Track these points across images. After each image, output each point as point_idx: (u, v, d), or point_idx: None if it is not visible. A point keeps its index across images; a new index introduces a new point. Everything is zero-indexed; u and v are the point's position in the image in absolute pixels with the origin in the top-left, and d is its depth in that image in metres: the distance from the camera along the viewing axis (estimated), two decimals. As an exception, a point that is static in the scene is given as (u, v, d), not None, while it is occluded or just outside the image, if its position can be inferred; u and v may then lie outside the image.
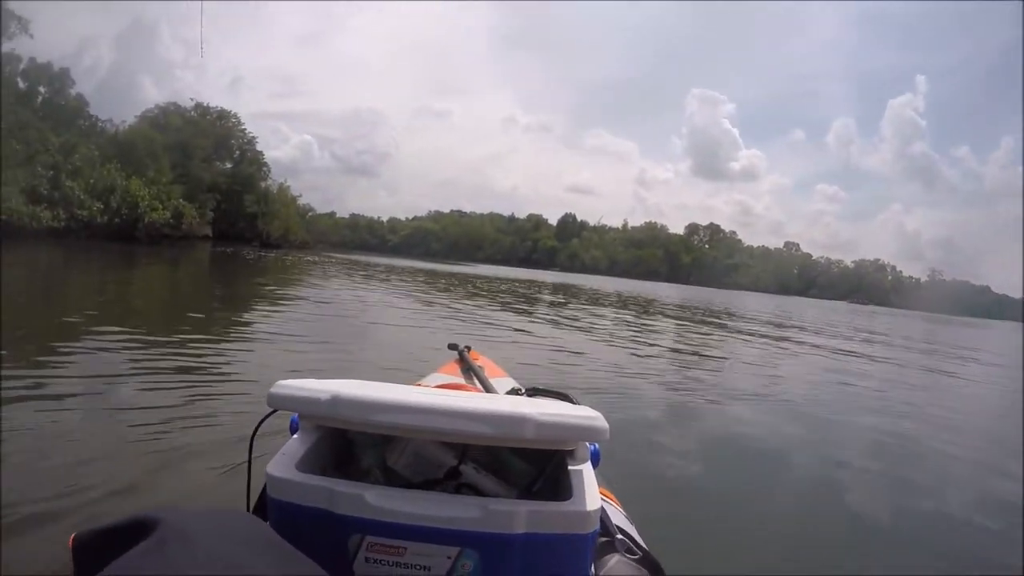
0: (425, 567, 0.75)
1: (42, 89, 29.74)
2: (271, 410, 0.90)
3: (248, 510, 1.00)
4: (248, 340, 6.09)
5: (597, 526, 0.80)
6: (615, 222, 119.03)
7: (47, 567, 1.66)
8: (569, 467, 0.89)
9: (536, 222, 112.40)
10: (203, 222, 38.46)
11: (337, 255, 46.02)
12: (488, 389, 1.86)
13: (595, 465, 0.95)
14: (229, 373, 4.37)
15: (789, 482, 3.29)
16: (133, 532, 0.53)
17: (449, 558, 0.75)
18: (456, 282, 22.70)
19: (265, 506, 0.83)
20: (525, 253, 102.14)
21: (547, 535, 0.76)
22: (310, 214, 71.39)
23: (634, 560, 1.01)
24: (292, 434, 0.94)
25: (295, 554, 0.57)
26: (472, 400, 0.90)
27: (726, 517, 2.63)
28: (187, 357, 4.75)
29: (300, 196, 63.21)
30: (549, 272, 64.29)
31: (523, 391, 1.93)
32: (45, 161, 25.12)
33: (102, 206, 27.71)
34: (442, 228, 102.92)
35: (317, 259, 32.80)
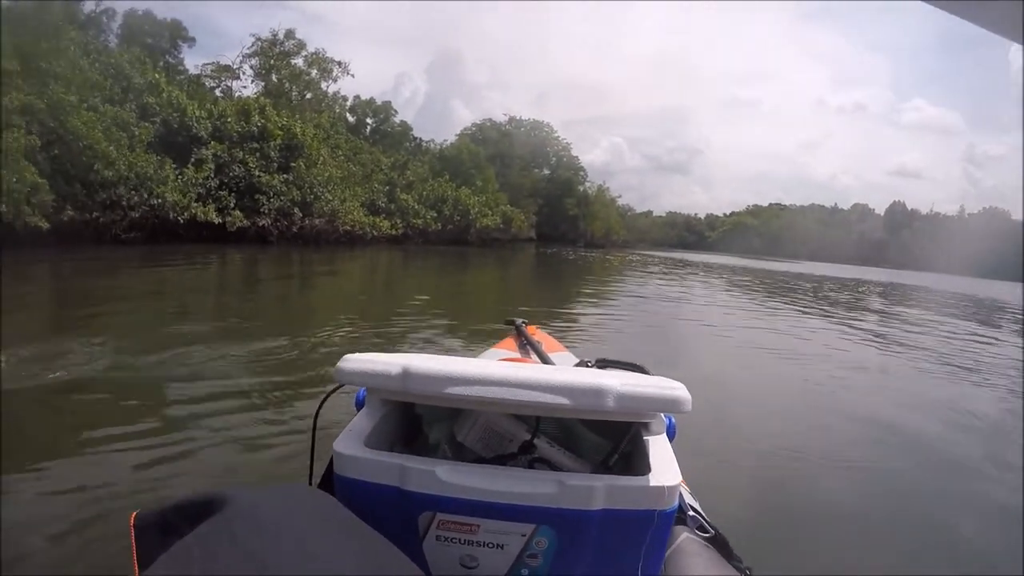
0: (498, 545, 0.70)
1: (369, 120, 32.03)
2: (337, 385, 0.83)
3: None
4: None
5: (676, 503, 0.72)
6: (949, 209, 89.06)
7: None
8: (646, 440, 0.81)
9: (861, 212, 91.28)
10: (528, 225, 37.88)
11: (658, 253, 44.50)
12: (547, 363, 1.60)
13: (671, 438, 0.85)
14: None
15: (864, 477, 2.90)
16: (199, 510, 0.49)
17: (523, 536, 0.69)
18: (766, 281, 19.35)
19: (330, 484, 0.77)
20: (851, 247, 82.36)
21: (626, 512, 0.69)
22: (629, 213, 69.00)
23: (704, 538, 0.91)
24: (358, 410, 0.86)
25: (365, 529, 0.53)
26: (547, 371, 0.82)
27: (792, 506, 2.51)
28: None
29: (619, 197, 61.18)
30: (878, 269, 49.40)
31: (591, 363, 1.57)
32: (380, 179, 25.75)
33: (436, 214, 27.73)
34: (761, 223, 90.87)
35: (636, 257, 31.99)
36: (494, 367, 0.79)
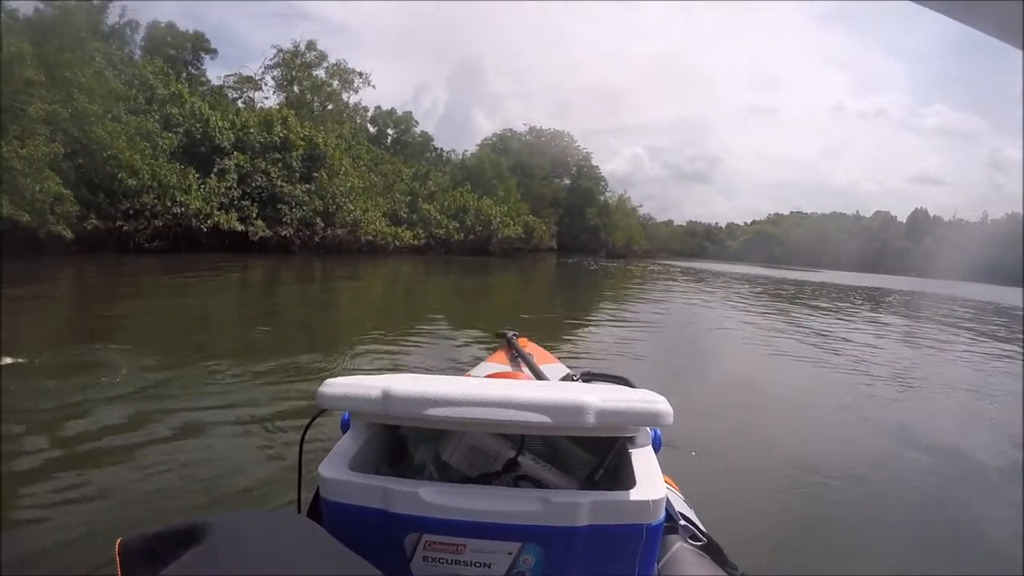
0: (485, 564, 0.70)
1: (390, 131, 31.89)
2: (320, 410, 0.82)
3: (299, 513, 0.87)
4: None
5: (663, 515, 0.72)
6: (972, 216, 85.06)
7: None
8: (631, 454, 0.81)
9: (883, 220, 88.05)
10: (549, 235, 37.33)
11: (679, 263, 43.72)
12: (538, 376, 1.64)
13: (656, 450, 0.85)
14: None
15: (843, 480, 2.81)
16: (184, 538, 0.49)
17: (510, 554, 0.69)
18: (783, 291, 18.28)
19: (318, 508, 0.77)
20: (872, 256, 79.37)
21: (612, 527, 0.69)
22: (650, 223, 68.35)
23: (697, 547, 0.92)
24: (343, 433, 0.86)
25: (350, 556, 0.53)
26: (528, 389, 0.82)
27: (784, 508, 2.49)
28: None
29: (640, 206, 60.56)
30: (901, 277, 48.07)
31: (577, 377, 1.64)
32: (402, 189, 25.47)
33: (457, 224, 27.37)
34: (782, 231, 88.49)
35: (657, 267, 31.55)
36: (475, 386, 0.78)
